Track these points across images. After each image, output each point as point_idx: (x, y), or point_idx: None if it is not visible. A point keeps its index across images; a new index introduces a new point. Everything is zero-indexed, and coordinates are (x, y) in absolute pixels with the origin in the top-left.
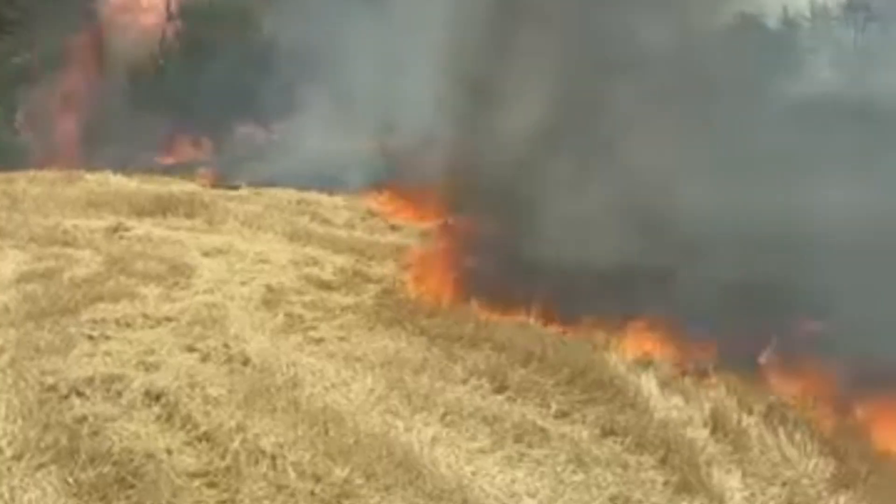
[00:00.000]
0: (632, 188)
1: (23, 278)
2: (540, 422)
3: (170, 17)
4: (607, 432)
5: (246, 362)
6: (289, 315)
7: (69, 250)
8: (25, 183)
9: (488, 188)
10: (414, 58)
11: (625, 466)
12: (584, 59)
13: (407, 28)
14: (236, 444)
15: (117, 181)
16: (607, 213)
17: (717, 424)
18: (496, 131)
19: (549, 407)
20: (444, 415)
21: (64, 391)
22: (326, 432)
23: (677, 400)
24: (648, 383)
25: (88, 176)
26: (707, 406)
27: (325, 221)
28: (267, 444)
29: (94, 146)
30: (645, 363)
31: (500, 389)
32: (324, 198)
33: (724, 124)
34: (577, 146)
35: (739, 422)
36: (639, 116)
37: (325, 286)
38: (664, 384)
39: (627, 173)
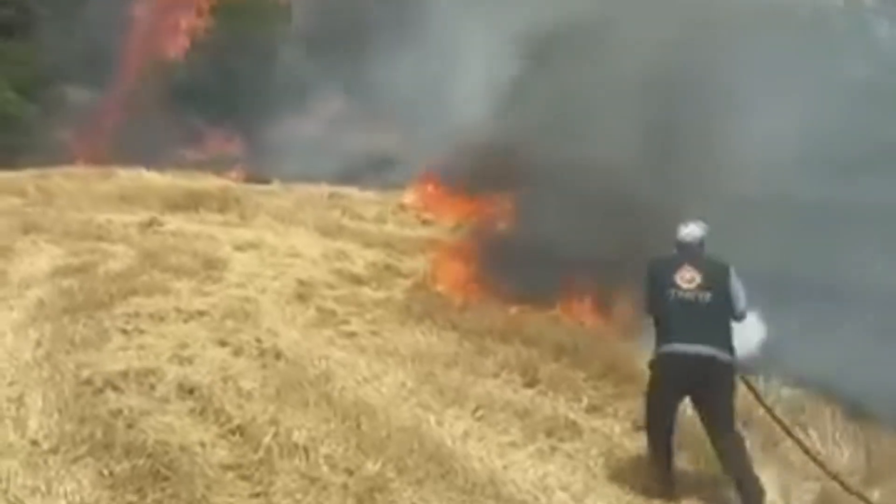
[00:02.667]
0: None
1: (58, 273)
2: (571, 416)
3: (201, 12)
4: (639, 427)
5: (278, 356)
6: (320, 309)
7: (103, 245)
8: (60, 179)
9: (519, 183)
10: (449, 51)
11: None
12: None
13: (442, 20)
14: (269, 437)
15: (150, 177)
16: (635, 206)
17: (747, 419)
18: (527, 123)
19: (580, 401)
20: (476, 409)
21: (99, 385)
22: (358, 426)
23: None
24: None
25: (122, 172)
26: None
27: (357, 216)
28: (299, 437)
29: (128, 142)
30: None
31: (531, 383)
32: (355, 192)
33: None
34: (606, 138)
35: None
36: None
37: (357, 280)
38: None
39: (665, 169)
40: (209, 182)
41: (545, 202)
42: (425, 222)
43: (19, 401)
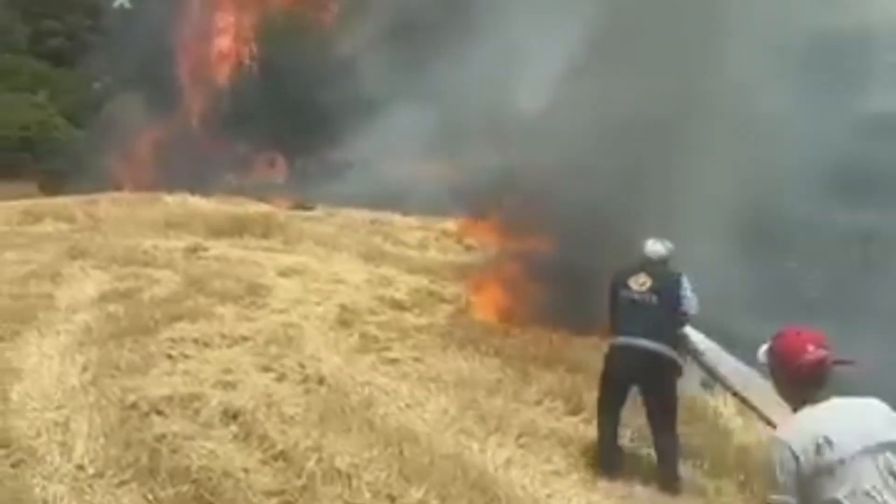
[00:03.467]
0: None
1: (104, 298)
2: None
3: (246, 40)
4: (684, 455)
5: (321, 382)
6: (363, 335)
7: (149, 270)
8: (107, 204)
9: (562, 210)
10: (492, 80)
11: (703, 492)
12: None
13: (489, 52)
14: (312, 463)
15: (195, 202)
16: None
17: None
18: (569, 156)
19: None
20: (519, 436)
21: (144, 409)
22: (401, 452)
23: (756, 424)
24: (726, 407)
25: (167, 197)
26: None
27: (399, 242)
28: (342, 463)
29: (173, 167)
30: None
31: (574, 411)
32: (397, 218)
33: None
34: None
35: None
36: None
37: (399, 306)
38: (742, 408)
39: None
40: (253, 207)
41: (586, 228)
42: (468, 248)
43: (65, 425)
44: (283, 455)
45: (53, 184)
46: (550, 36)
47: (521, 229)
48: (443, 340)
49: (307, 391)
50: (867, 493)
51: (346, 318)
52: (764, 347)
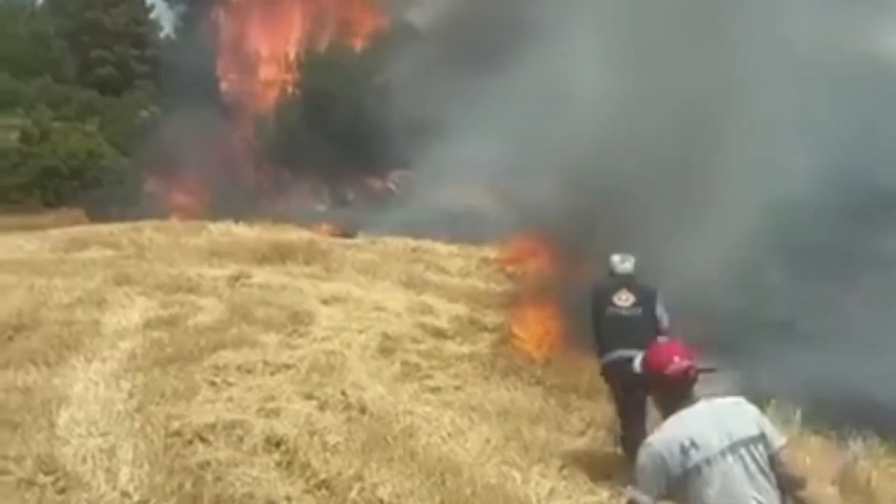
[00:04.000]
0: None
1: (149, 325)
2: None
3: (290, 69)
4: None
5: (363, 410)
6: (405, 363)
7: (193, 297)
8: (152, 232)
9: (605, 239)
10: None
11: None
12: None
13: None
14: (354, 492)
15: (239, 230)
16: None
17: (845, 482)
18: (615, 184)
19: None
20: (562, 466)
21: (188, 436)
22: (443, 482)
23: (804, 456)
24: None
25: (211, 225)
26: (836, 463)
27: (441, 269)
28: (384, 493)
29: (217, 195)
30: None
31: (617, 441)
32: (439, 246)
33: None
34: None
35: (869, 481)
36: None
37: (441, 334)
38: (790, 440)
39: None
40: (296, 235)
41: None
42: (510, 276)
43: (111, 452)
44: (325, 484)
45: (100, 211)
46: (595, 65)
47: (563, 257)
48: (485, 369)
49: (349, 419)
50: (734, 490)
51: (388, 346)
52: (639, 359)
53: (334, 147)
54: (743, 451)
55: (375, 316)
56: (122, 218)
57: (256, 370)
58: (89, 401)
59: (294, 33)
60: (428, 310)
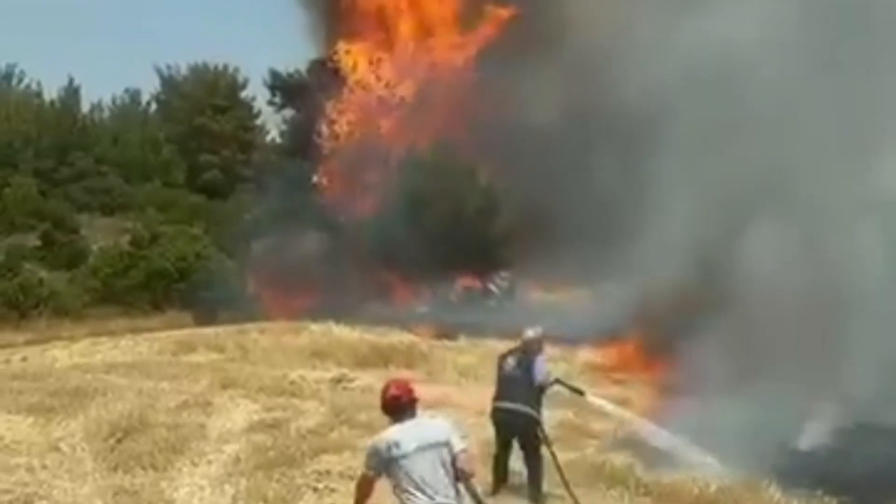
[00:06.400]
0: None
1: (252, 428)
2: None
3: (389, 170)
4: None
5: None
6: (510, 470)
7: (295, 401)
8: (256, 334)
9: (711, 343)
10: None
11: None
12: None
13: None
14: None
15: (340, 332)
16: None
17: None
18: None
19: None
20: None
21: None
22: None
23: None
24: None
25: (313, 326)
26: None
27: None
28: None
29: (319, 297)
30: None
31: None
32: None
33: None
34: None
35: None
36: None
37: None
38: None
39: None
40: (397, 337)
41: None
42: (616, 381)
43: None
44: None
45: (207, 314)
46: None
47: (670, 362)
48: (590, 477)
49: None
50: (422, 479)
51: (490, 452)
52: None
53: (435, 248)
54: (431, 451)
55: (476, 420)
56: (228, 321)
57: (358, 476)
58: None
59: (397, 134)
60: None
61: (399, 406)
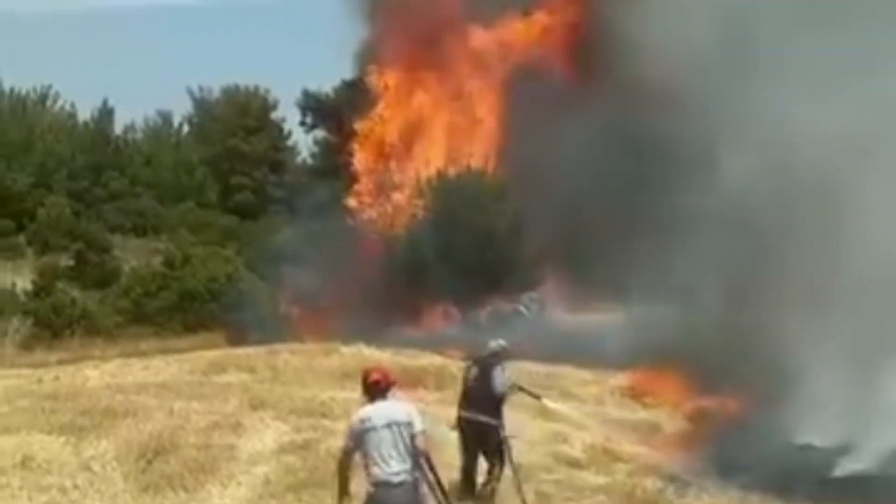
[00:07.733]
0: None
1: (283, 450)
2: None
3: (420, 193)
4: None
5: None
6: (539, 493)
7: (326, 422)
8: (287, 355)
9: (745, 367)
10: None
11: None
12: None
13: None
14: None
15: (370, 353)
16: None
17: None
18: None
19: None
20: None
21: None
22: None
23: None
24: None
25: (344, 348)
26: None
27: (573, 396)
28: None
29: (349, 318)
30: None
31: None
32: (571, 372)
33: None
34: None
35: None
36: None
37: (575, 464)
38: None
39: None
40: (427, 359)
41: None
42: (646, 405)
43: None
44: None
45: (238, 335)
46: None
47: (703, 386)
48: (622, 502)
49: None
50: (385, 450)
51: (520, 477)
52: None
53: (465, 269)
54: (395, 427)
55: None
56: (259, 341)
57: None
58: None
59: (427, 158)
60: (561, 439)
61: (378, 389)
